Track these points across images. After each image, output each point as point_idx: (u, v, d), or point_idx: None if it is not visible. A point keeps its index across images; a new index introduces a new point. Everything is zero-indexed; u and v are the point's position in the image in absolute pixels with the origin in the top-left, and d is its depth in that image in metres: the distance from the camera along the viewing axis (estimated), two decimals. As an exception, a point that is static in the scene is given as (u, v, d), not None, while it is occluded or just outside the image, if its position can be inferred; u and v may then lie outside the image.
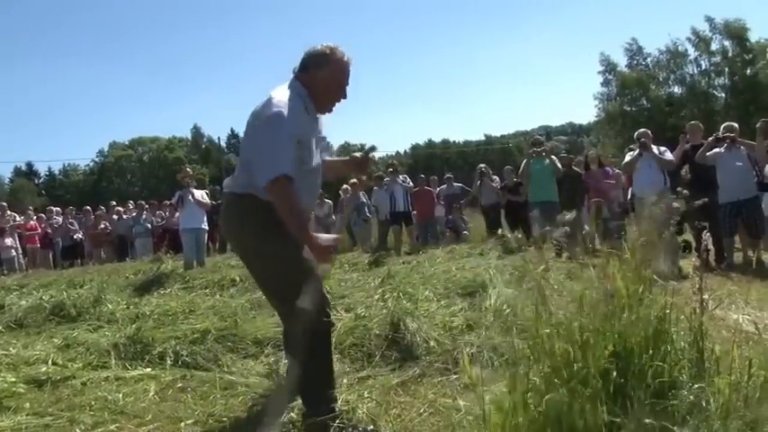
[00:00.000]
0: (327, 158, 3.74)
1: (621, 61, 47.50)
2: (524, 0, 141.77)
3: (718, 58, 44.96)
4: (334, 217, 15.30)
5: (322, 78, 3.18)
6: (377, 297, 5.38)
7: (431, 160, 73.27)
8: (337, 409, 3.06)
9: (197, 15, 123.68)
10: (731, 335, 4.35)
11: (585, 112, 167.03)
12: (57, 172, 71.85)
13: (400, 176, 13.42)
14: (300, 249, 3.04)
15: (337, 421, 2.95)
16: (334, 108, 3.34)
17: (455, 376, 3.71)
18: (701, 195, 8.37)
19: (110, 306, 5.98)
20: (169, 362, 4.27)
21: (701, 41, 45.06)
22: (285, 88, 3.15)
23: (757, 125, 8.24)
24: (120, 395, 3.67)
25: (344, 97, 3.32)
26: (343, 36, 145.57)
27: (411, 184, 13.29)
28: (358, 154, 3.76)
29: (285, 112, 2.97)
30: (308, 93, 3.18)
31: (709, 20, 44.53)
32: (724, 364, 3.71)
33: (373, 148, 3.83)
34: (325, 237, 3.12)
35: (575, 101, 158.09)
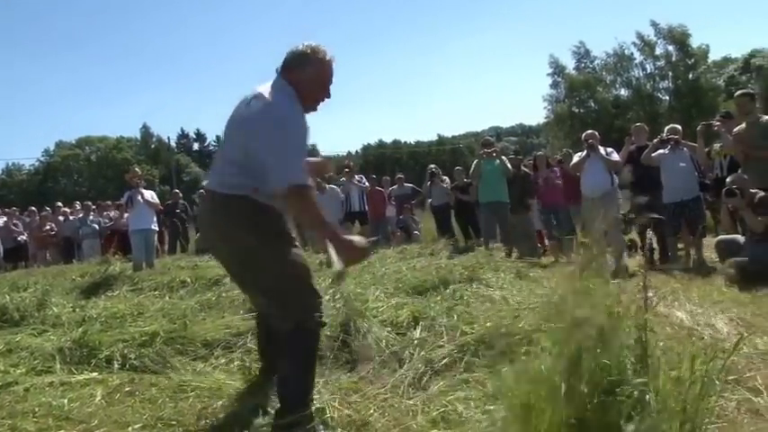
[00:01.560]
0: None
1: (570, 64, 48.41)
2: (474, 2, 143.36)
3: (662, 62, 46.23)
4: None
5: (307, 78, 3.19)
6: (327, 298, 5.39)
7: (382, 161, 73.44)
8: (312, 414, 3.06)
9: (146, 11, 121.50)
10: (674, 331, 4.53)
11: (535, 113, 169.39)
12: (0, 171, 69.77)
13: (356, 176, 13.53)
14: (295, 250, 3.15)
15: (312, 424, 2.96)
16: (318, 107, 3.35)
17: (405, 376, 3.76)
18: (645, 195, 8.67)
19: (55, 309, 5.82)
20: (116, 366, 4.19)
21: (645, 46, 46.26)
22: (275, 88, 3.15)
23: (698, 128, 8.51)
24: (66, 400, 3.59)
25: (328, 96, 3.33)
26: (292, 34, 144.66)
27: (367, 184, 13.35)
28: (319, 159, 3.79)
29: (296, 115, 3.06)
30: (295, 93, 3.16)
31: (654, 25, 45.75)
32: (667, 360, 3.85)
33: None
34: (358, 238, 3.17)
35: (524, 102, 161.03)
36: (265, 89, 3.14)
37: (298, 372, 3.09)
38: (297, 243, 3.23)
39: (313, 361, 3.19)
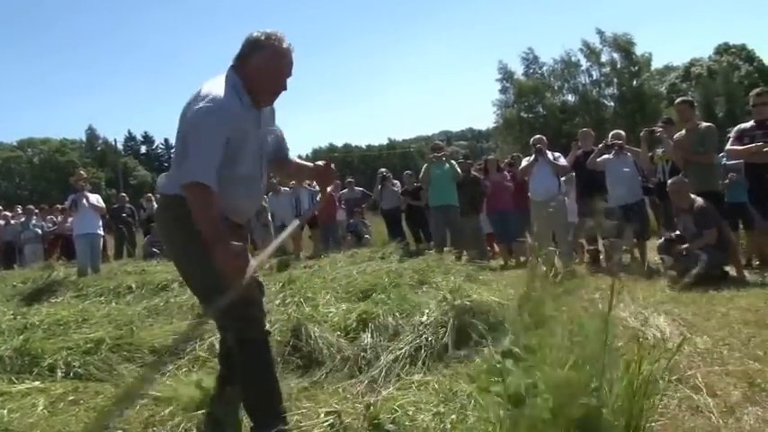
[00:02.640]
0: (297, 161, 3.63)
1: (519, 69, 49.25)
2: (426, 7, 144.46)
3: (607, 69, 47.39)
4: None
5: (255, 66, 2.93)
6: (278, 302, 5.36)
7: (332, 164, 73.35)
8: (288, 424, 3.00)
9: (92, 9, 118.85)
10: (620, 332, 4.63)
11: (485, 117, 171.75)
12: (-64, 173, 67.26)
13: (306, 180, 13.47)
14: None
15: None
16: (274, 99, 3.12)
17: (357, 381, 3.76)
18: (590, 199, 8.86)
19: (-6, 316, 5.67)
20: (60, 374, 4.09)
21: (591, 53, 47.36)
22: (220, 79, 2.90)
23: (641, 134, 8.74)
24: (5, 411, 3.48)
25: (284, 88, 3.06)
26: (241, 32, 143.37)
27: (317, 187, 13.24)
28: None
29: (213, 106, 2.75)
30: (243, 84, 2.92)
31: (600, 33, 46.91)
32: (612, 361, 3.94)
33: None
34: (237, 246, 2.69)
35: (474, 107, 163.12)
36: (210, 82, 2.91)
37: (252, 383, 2.99)
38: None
39: (266, 371, 3.04)
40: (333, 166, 3.58)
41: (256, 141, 3.04)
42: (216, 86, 2.85)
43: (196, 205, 2.70)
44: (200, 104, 2.76)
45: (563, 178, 9.17)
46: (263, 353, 3.06)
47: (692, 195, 6.86)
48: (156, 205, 3.31)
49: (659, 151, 8.27)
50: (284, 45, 2.98)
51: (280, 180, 14.43)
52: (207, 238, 2.67)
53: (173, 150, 3.17)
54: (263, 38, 2.95)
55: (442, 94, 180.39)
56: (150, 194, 18.55)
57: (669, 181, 7.13)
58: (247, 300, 2.90)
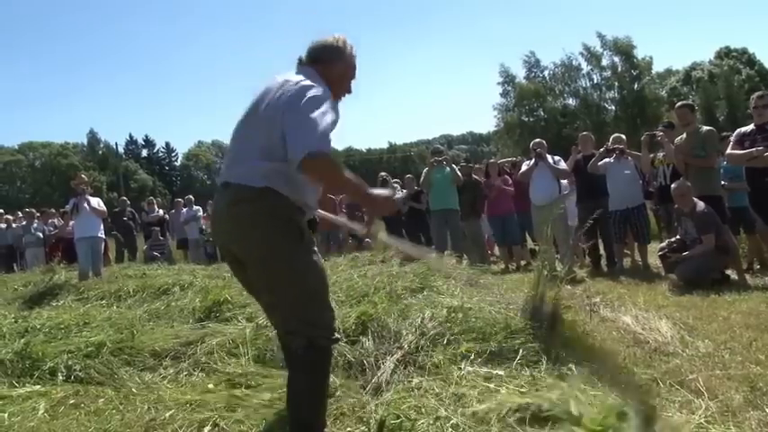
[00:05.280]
0: None
1: (520, 73, 49.31)
2: (428, 11, 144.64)
3: (608, 73, 47.40)
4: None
5: (339, 71, 3.07)
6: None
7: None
8: None
9: (94, 13, 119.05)
10: (620, 335, 4.64)
11: (485, 121, 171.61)
12: (-63, 177, 67.34)
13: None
14: (315, 258, 2.88)
15: None
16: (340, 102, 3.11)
17: (358, 384, 3.75)
18: (590, 203, 8.86)
19: (-5, 320, 5.67)
20: (61, 377, 4.09)
21: (592, 57, 47.37)
22: (308, 75, 2.91)
23: (642, 138, 8.74)
24: (6, 415, 3.49)
25: (350, 92, 3.19)
26: (252, 41, 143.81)
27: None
28: None
29: (324, 90, 2.81)
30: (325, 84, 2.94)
31: (601, 36, 46.93)
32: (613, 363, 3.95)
33: None
34: (383, 191, 2.95)
35: (475, 111, 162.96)
36: (298, 75, 2.91)
37: (310, 392, 2.85)
38: (316, 249, 2.93)
39: (326, 381, 2.96)
40: None
41: None
42: (313, 80, 2.88)
43: (329, 171, 2.71)
44: (316, 89, 2.77)
45: (564, 182, 9.16)
46: (328, 363, 3.01)
47: (694, 199, 6.86)
48: (220, 201, 2.96)
49: (660, 155, 8.27)
50: (354, 52, 3.16)
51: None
52: (356, 194, 2.86)
53: (235, 143, 2.99)
54: (341, 45, 3.09)
55: (442, 98, 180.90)
56: (152, 198, 18.56)
57: (673, 185, 7.13)
58: (327, 304, 2.92)
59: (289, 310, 2.86)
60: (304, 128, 2.63)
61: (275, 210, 2.77)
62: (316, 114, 2.65)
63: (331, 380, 3.65)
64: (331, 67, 3.04)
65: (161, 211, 16.92)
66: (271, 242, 2.79)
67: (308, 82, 2.82)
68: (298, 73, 2.95)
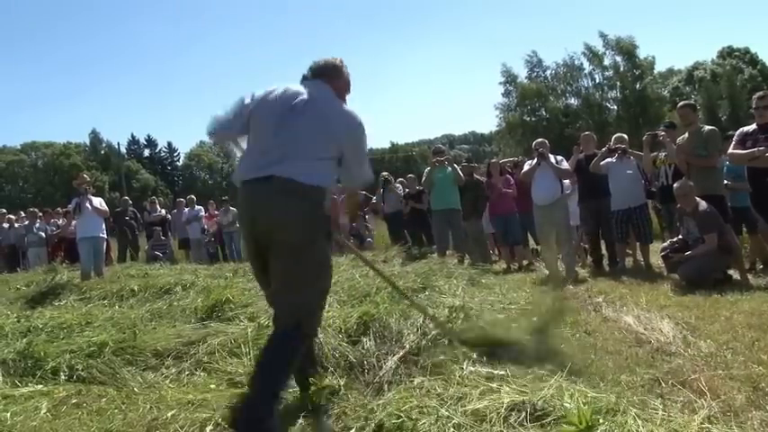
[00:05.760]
0: None
1: (522, 73, 49.20)
2: (429, 11, 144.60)
3: (610, 73, 47.29)
4: (237, 225, 15.19)
5: (342, 88, 3.60)
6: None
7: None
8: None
9: (96, 13, 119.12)
10: (623, 335, 4.63)
11: (487, 121, 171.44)
12: (-60, 177, 67.41)
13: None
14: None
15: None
16: None
17: (360, 384, 3.75)
18: (592, 203, 8.86)
19: (-2, 319, 5.68)
20: (63, 377, 4.10)
21: (594, 56, 47.27)
22: (330, 94, 3.48)
23: (643, 138, 8.73)
24: (9, 414, 3.49)
25: (346, 103, 3.65)
26: (254, 43, 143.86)
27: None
28: None
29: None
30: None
31: (603, 36, 46.83)
32: (616, 363, 3.94)
33: None
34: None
35: (477, 110, 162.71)
36: (322, 91, 3.45)
37: (280, 369, 3.08)
38: None
39: (295, 364, 3.20)
40: None
41: None
42: (328, 93, 3.48)
43: (357, 198, 3.66)
44: (359, 119, 3.45)
45: (566, 182, 9.15)
46: (304, 348, 3.31)
47: (697, 199, 6.85)
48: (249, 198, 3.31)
49: (662, 155, 8.26)
50: (349, 71, 3.71)
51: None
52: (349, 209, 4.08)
53: (287, 142, 3.31)
54: (340, 64, 3.63)
55: (444, 98, 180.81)
56: (154, 198, 18.57)
57: (675, 184, 7.11)
58: (324, 305, 3.46)
59: (299, 298, 3.19)
60: (363, 164, 3.52)
61: (319, 207, 3.23)
62: (366, 151, 3.55)
63: (333, 379, 3.67)
64: (338, 83, 3.57)
65: (163, 211, 16.94)
66: (311, 235, 3.21)
67: (358, 116, 3.45)
68: (323, 88, 3.47)
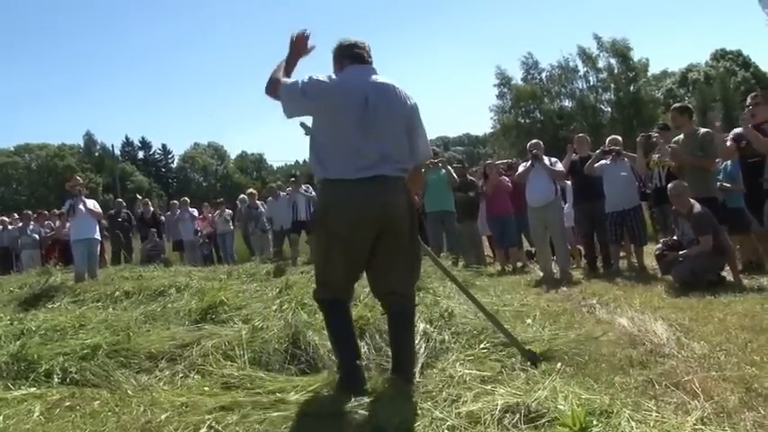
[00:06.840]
0: None
1: (517, 75, 49.33)
2: (424, 13, 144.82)
3: (604, 75, 47.43)
4: (231, 226, 15.24)
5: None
6: (274, 308, 5.35)
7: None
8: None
9: (90, 14, 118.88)
10: (617, 337, 4.64)
11: (482, 123, 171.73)
12: (-68, 179, 67.15)
13: (302, 186, 13.59)
14: None
15: None
16: None
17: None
18: (587, 205, 8.87)
19: (-9, 322, 5.64)
20: (56, 380, 4.07)
21: (588, 58, 47.40)
22: (375, 75, 3.70)
23: (637, 139, 8.75)
24: (1, 417, 3.46)
25: None
26: (248, 43, 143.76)
27: (313, 193, 13.34)
28: None
29: None
30: None
31: (597, 38, 46.98)
32: (609, 365, 3.95)
33: None
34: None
35: (471, 112, 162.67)
36: (376, 80, 3.65)
37: (413, 333, 3.84)
38: None
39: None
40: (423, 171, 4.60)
41: None
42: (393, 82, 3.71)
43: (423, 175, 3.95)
44: (409, 93, 3.72)
45: (560, 184, 9.17)
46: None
47: (691, 200, 6.87)
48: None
49: (655, 157, 8.28)
50: None
51: (279, 185, 14.61)
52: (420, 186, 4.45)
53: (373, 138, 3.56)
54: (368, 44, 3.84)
55: (438, 100, 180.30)
56: (147, 200, 18.51)
57: (669, 185, 7.12)
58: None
59: (409, 273, 3.71)
60: (426, 138, 3.84)
61: (410, 194, 3.71)
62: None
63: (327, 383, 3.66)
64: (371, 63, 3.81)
65: (152, 209, 16.88)
66: (414, 220, 3.72)
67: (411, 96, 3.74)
68: (373, 71, 3.73)
